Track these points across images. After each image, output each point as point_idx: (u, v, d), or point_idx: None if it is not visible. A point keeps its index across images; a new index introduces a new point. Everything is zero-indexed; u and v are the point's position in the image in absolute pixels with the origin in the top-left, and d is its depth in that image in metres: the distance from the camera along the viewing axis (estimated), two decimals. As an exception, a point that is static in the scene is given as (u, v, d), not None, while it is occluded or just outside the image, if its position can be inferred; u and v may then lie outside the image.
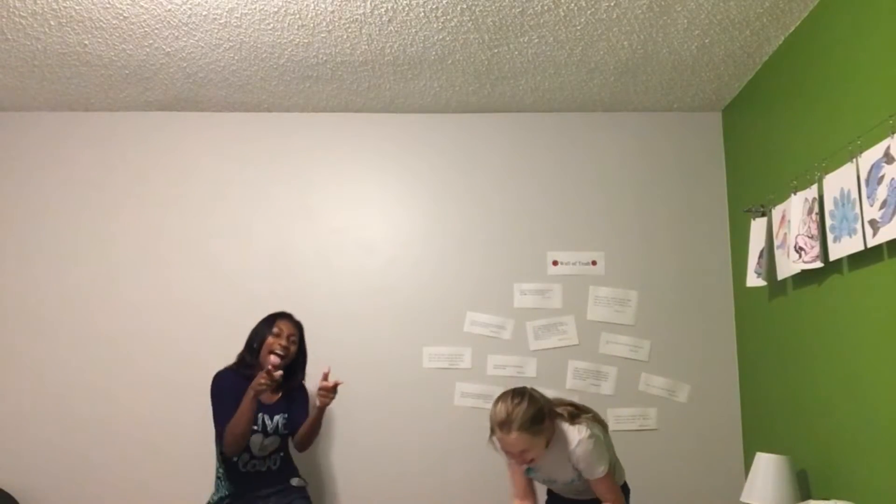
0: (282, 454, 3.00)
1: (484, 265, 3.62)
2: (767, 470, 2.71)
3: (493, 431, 2.47)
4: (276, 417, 2.94)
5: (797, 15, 2.80)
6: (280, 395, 3.00)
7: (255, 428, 2.87)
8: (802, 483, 2.74)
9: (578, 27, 2.90)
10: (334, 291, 3.59)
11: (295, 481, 3.00)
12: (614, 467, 2.60)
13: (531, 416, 2.40)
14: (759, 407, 3.28)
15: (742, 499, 2.80)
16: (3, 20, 2.83)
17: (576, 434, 2.49)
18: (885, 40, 2.26)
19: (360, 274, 3.61)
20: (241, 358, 2.99)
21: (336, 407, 3.29)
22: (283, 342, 2.94)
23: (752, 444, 3.31)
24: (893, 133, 2.14)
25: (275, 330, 2.96)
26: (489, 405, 3.45)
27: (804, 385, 2.79)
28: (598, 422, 2.63)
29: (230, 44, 3.04)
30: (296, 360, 3.02)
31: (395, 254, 3.64)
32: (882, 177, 2.17)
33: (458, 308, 3.58)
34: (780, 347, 3.01)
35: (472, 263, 3.62)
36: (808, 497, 2.66)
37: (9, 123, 3.68)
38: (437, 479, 3.46)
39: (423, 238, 3.66)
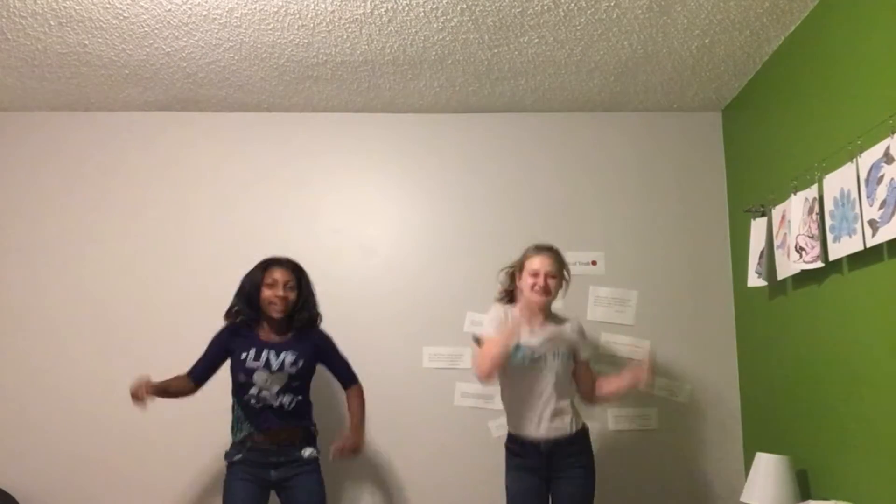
0: (299, 398, 2.89)
1: (484, 265, 3.60)
2: (767, 470, 2.71)
3: (524, 259, 2.90)
4: (284, 354, 2.86)
5: (797, 15, 2.80)
6: (289, 335, 2.93)
7: (257, 365, 2.84)
8: (802, 483, 2.74)
9: (578, 27, 2.90)
10: (334, 291, 3.58)
11: (307, 452, 2.91)
12: None
13: (558, 255, 2.91)
14: (759, 407, 3.28)
15: (742, 499, 2.80)
16: (3, 20, 2.83)
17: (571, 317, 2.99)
18: (885, 40, 2.26)
19: (361, 274, 3.61)
20: (238, 310, 2.94)
21: (336, 406, 3.29)
22: (280, 293, 2.87)
23: (752, 444, 3.31)
24: (893, 133, 2.14)
25: (268, 281, 2.90)
26: (489, 405, 3.48)
27: (804, 385, 2.79)
28: None
29: (230, 44, 3.04)
30: (299, 303, 2.94)
31: (395, 254, 3.64)
32: (882, 177, 2.18)
33: (458, 308, 3.58)
34: (780, 347, 3.02)
35: (472, 263, 3.61)
36: (808, 497, 2.67)
37: (9, 123, 3.68)
38: (437, 479, 3.46)
39: (424, 238, 3.66)
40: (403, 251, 3.65)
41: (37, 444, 3.45)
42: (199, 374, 2.97)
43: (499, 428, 3.40)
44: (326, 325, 3.57)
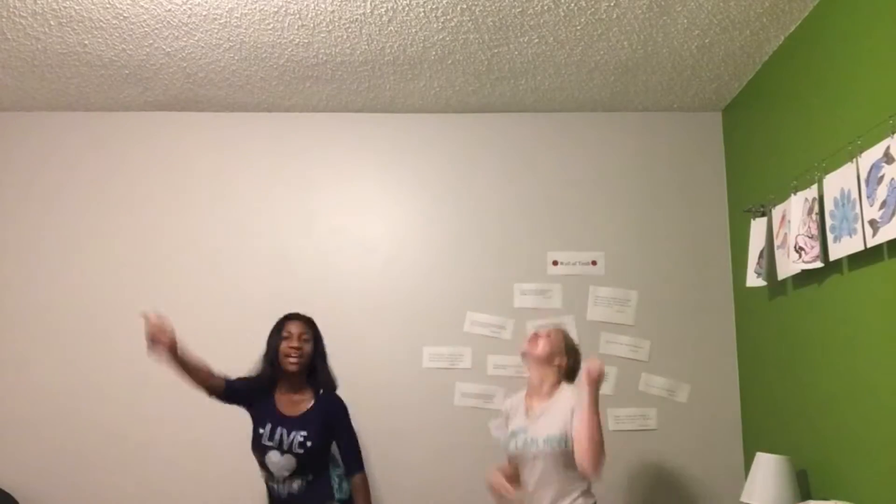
0: (308, 478, 2.82)
1: (484, 265, 3.62)
2: (767, 470, 2.71)
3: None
4: (294, 434, 2.80)
5: (797, 15, 2.80)
6: (309, 405, 2.88)
7: (271, 444, 2.81)
8: (802, 483, 2.74)
9: (578, 27, 2.90)
10: (334, 291, 3.59)
11: None
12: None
13: (566, 339, 2.76)
14: (759, 407, 3.28)
15: (742, 499, 2.80)
16: (3, 20, 2.83)
17: (577, 389, 2.64)
18: (885, 40, 2.26)
19: (360, 274, 3.61)
20: (262, 371, 2.92)
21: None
22: (295, 344, 2.88)
23: (752, 444, 3.31)
24: (893, 133, 2.14)
25: (284, 334, 2.90)
26: (489, 405, 3.49)
27: (804, 385, 2.79)
28: None
29: (230, 44, 3.04)
30: (314, 357, 2.94)
31: (395, 254, 3.64)
32: (882, 177, 2.18)
33: (458, 308, 3.58)
34: (780, 347, 3.02)
35: (473, 263, 3.62)
36: (808, 497, 2.66)
37: (9, 123, 3.68)
38: (436, 479, 3.46)
39: (424, 238, 3.66)
40: (403, 251, 3.65)
41: (37, 444, 3.45)
42: (233, 387, 2.89)
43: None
44: (326, 325, 3.57)
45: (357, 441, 2.95)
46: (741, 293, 3.46)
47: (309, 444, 2.80)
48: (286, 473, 2.81)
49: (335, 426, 2.91)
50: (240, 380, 2.92)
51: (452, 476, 3.46)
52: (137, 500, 3.42)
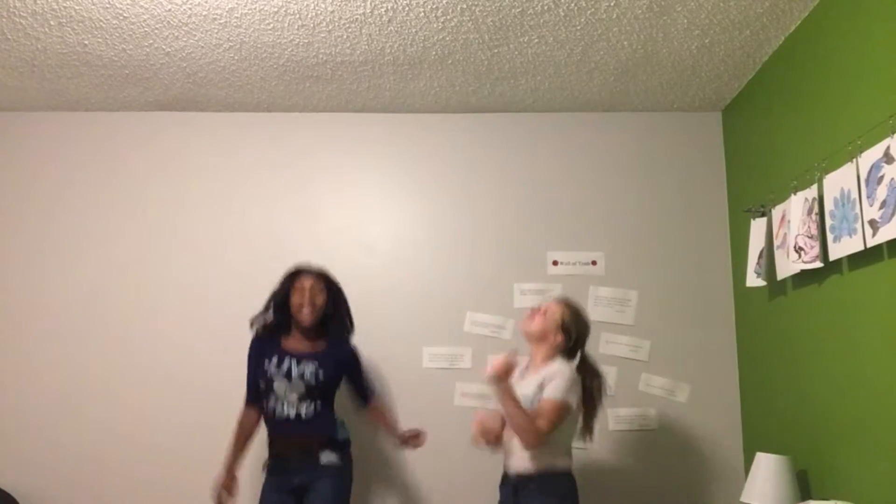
0: (318, 408, 2.89)
1: (484, 265, 3.62)
2: (767, 470, 2.71)
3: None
4: (305, 365, 2.88)
5: (797, 15, 2.80)
6: (321, 346, 2.96)
7: (277, 374, 2.87)
8: (802, 483, 2.74)
9: (578, 27, 2.90)
10: (334, 291, 3.58)
11: (325, 458, 2.89)
12: (567, 417, 2.61)
13: (571, 311, 2.76)
14: (759, 407, 3.28)
15: (742, 499, 2.80)
16: (3, 20, 2.83)
17: (565, 364, 2.69)
18: (885, 40, 2.26)
19: (360, 274, 3.61)
20: (273, 319, 2.98)
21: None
22: (307, 297, 2.92)
23: (752, 444, 3.31)
24: (893, 133, 2.14)
25: (296, 288, 2.96)
26: (489, 405, 3.47)
27: (804, 385, 2.79)
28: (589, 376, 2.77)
29: (230, 44, 3.04)
30: (330, 309, 2.99)
31: (395, 254, 3.64)
32: (882, 177, 2.18)
33: (458, 308, 3.58)
34: (780, 347, 3.02)
35: (472, 263, 3.62)
36: (808, 497, 2.66)
37: (9, 123, 3.68)
38: (436, 479, 3.46)
39: (423, 238, 3.66)
40: (403, 251, 3.65)
41: (37, 444, 3.45)
42: (256, 395, 2.97)
43: (499, 428, 3.41)
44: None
45: (370, 377, 3.17)
46: (741, 293, 3.46)
47: (321, 375, 2.88)
48: (294, 397, 2.86)
49: (348, 371, 3.03)
50: (251, 380, 2.98)
51: (452, 476, 3.45)
52: (138, 499, 3.42)
